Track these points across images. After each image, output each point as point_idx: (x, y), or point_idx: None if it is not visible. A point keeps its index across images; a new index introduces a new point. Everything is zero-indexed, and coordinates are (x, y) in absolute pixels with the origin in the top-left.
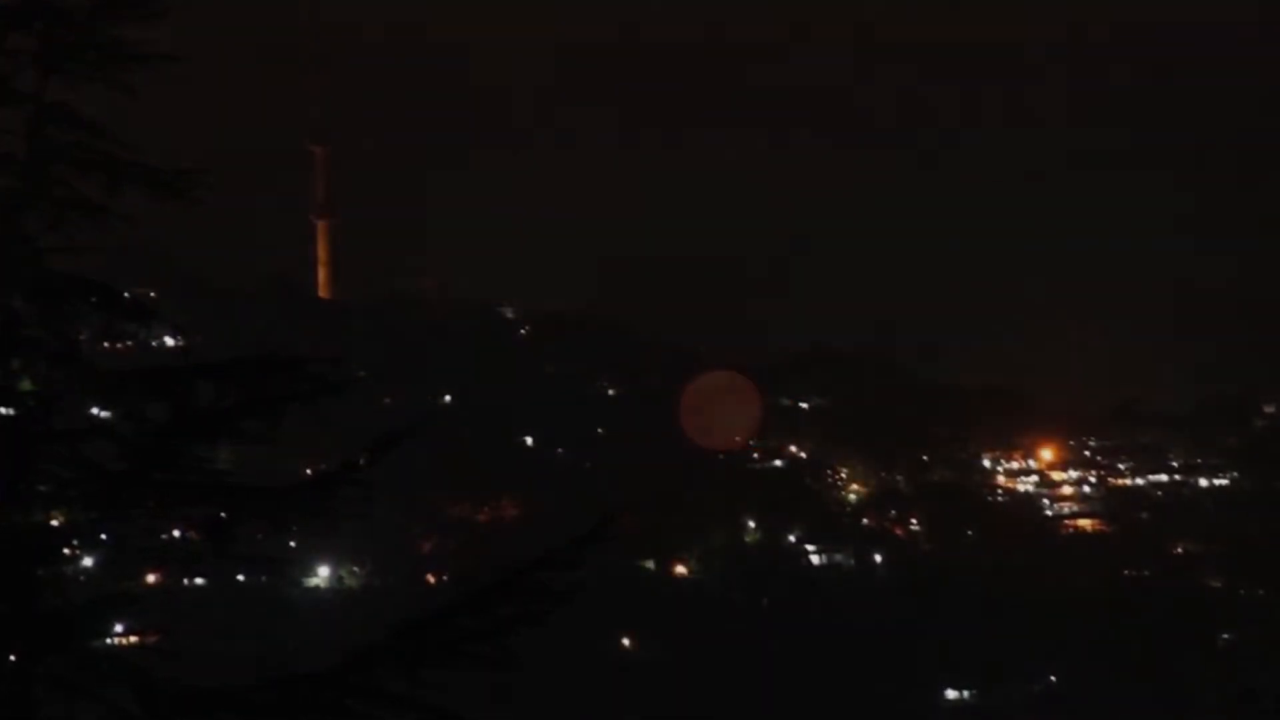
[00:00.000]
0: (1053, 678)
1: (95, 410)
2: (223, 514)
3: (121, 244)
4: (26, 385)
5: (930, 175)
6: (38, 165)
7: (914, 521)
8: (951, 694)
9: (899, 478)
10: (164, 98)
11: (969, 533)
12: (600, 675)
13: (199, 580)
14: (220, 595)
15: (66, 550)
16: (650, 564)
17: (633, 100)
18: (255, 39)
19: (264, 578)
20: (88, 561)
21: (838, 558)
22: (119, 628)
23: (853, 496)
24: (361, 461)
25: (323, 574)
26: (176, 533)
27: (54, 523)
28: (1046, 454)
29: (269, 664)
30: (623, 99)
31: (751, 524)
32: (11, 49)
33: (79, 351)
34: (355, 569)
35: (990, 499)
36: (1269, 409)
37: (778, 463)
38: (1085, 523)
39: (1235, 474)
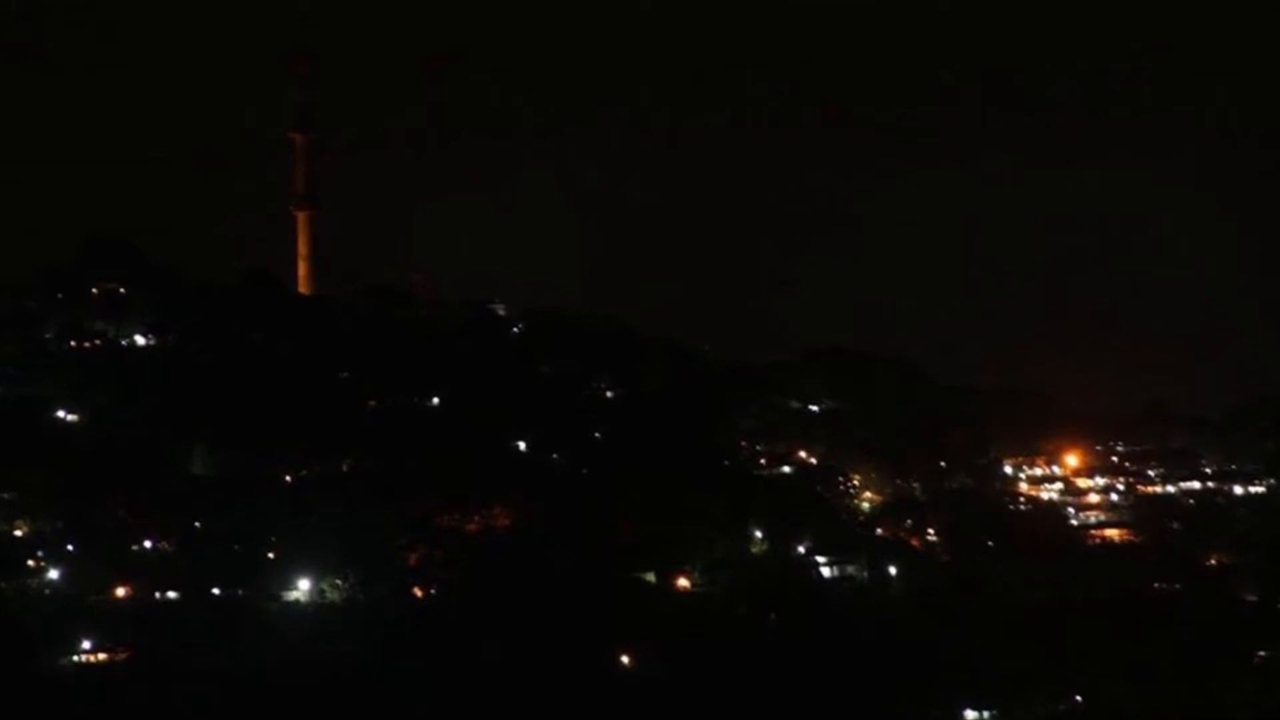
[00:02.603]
0: (1078, 697)
1: (62, 413)
2: (197, 523)
3: (89, 234)
4: None
5: (949, 170)
6: None
7: (931, 531)
8: (971, 714)
9: (915, 485)
10: (149, 88)
11: (989, 544)
12: (598, 693)
13: (171, 593)
14: (195, 609)
15: (31, 562)
16: (651, 576)
17: (637, 94)
18: (245, 28)
19: (241, 590)
20: (54, 574)
21: (850, 570)
22: (87, 644)
23: (866, 505)
24: (345, 468)
25: (303, 587)
26: (148, 543)
27: (18, 533)
28: (1072, 459)
29: (246, 682)
30: (626, 93)
31: (758, 534)
32: None
33: (44, 351)
34: (338, 581)
35: (1012, 507)
36: None
37: (786, 469)
38: (1113, 532)
39: (1272, 481)
